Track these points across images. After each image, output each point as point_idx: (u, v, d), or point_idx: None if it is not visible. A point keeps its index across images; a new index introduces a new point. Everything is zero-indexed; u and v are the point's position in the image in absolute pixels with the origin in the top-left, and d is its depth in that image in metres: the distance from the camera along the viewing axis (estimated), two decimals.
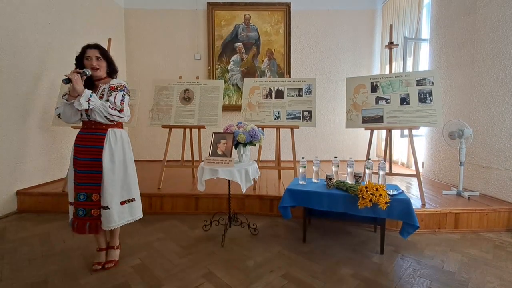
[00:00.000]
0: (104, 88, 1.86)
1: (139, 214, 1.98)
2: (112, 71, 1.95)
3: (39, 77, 3.35)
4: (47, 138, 3.50)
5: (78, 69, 1.79)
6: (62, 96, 1.82)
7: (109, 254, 1.97)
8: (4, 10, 2.91)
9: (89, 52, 1.83)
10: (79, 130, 1.90)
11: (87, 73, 1.79)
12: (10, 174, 3.01)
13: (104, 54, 1.88)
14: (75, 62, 1.87)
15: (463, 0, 3.27)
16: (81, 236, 2.29)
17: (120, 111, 1.81)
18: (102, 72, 1.87)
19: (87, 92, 1.72)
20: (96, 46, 1.87)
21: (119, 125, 1.93)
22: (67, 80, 1.71)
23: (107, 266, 1.89)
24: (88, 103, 1.70)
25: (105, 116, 1.77)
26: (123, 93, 1.86)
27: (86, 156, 1.81)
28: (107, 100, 1.80)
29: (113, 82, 1.89)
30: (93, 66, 1.82)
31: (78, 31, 3.95)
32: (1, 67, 2.89)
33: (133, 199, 1.93)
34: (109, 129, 1.85)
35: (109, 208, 1.79)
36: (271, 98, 3.48)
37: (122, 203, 1.87)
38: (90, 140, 1.83)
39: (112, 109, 1.77)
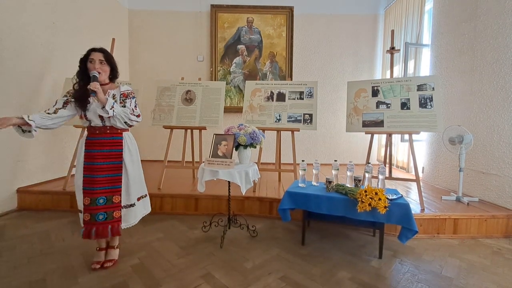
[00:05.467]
0: (114, 94, 1.90)
1: (149, 208, 2.12)
2: (114, 76, 1.98)
3: (42, 76, 3.37)
4: (49, 137, 3.51)
5: (91, 83, 1.77)
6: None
7: (108, 253, 1.98)
8: (8, 9, 2.94)
9: (93, 55, 1.83)
10: (85, 136, 1.90)
11: (97, 76, 1.81)
12: (11, 172, 3.03)
13: (108, 59, 1.90)
14: (79, 64, 1.87)
15: (464, 7, 3.29)
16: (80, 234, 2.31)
17: (138, 116, 1.92)
18: (104, 77, 1.88)
19: (111, 100, 1.80)
20: (101, 50, 1.88)
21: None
22: (93, 93, 1.78)
23: (106, 266, 1.90)
24: (113, 111, 1.79)
25: (125, 122, 1.85)
26: (135, 100, 1.97)
27: (105, 160, 1.84)
28: (124, 107, 1.88)
29: (123, 88, 1.95)
30: (96, 69, 1.81)
31: (82, 31, 3.97)
32: (5, 66, 2.91)
33: (146, 195, 2.10)
34: (123, 132, 1.93)
35: (134, 205, 1.94)
36: (273, 100, 3.50)
37: (139, 199, 2.00)
38: (108, 145, 1.86)
39: (133, 115, 1.89)
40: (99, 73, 1.82)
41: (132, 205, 1.94)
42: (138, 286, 1.72)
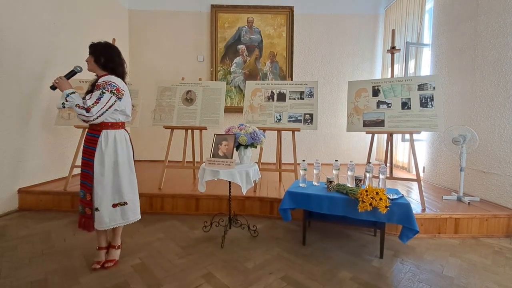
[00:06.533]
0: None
1: (132, 218, 1.95)
2: (103, 66, 1.86)
3: (43, 77, 3.37)
4: (50, 137, 3.52)
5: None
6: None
7: (109, 253, 1.98)
8: (9, 10, 2.94)
9: None
10: (84, 133, 1.94)
11: (75, 70, 1.85)
12: (12, 172, 3.03)
13: (92, 49, 1.85)
14: None
15: (464, 6, 3.29)
16: (81, 234, 2.33)
17: (87, 110, 1.70)
18: (90, 67, 1.88)
19: (65, 92, 1.73)
20: (91, 43, 1.88)
21: (115, 125, 1.88)
22: (53, 87, 1.80)
23: (107, 266, 1.90)
24: (63, 104, 1.72)
25: (77, 115, 1.74)
26: (101, 91, 1.75)
27: (85, 156, 1.87)
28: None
29: (100, 80, 1.82)
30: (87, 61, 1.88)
31: (83, 31, 3.99)
32: (5, 66, 2.91)
33: (125, 203, 1.90)
34: (102, 130, 1.84)
35: (98, 210, 1.83)
36: (273, 100, 3.50)
37: (114, 205, 1.87)
38: (88, 141, 1.87)
39: (79, 107, 1.70)
40: (81, 68, 1.89)
41: (95, 209, 1.82)
42: (139, 286, 1.72)
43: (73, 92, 1.75)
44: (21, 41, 3.07)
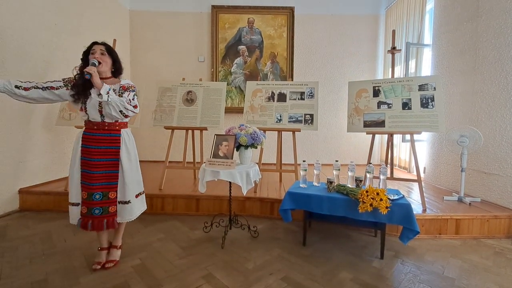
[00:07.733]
0: (114, 89, 1.84)
1: (145, 205, 2.10)
2: (116, 70, 1.96)
3: (44, 77, 3.37)
4: (50, 137, 3.52)
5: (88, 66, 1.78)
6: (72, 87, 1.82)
7: (110, 253, 1.98)
8: (10, 10, 2.95)
9: (95, 47, 1.86)
10: (83, 130, 1.89)
11: (96, 63, 1.80)
12: (12, 173, 3.04)
13: (110, 51, 1.90)
14: (81, 57, 1.88)
15: (465, 6, 3.29)
16: (82, 235, 2.34)
17: (135, 107, 1.87)
18: (104, 68, 1.85)
19: (107, 86, 1.75)
20: (103, 43, 1.91)
21: (126, 125, 1.98)
22: (89, 75, 1.73)
23: (107, 266, 1.90)
24: (108, 96, 1.73)
25: (121, 111, 1.79)
26: (134, 93, 1.92)
27: (101, 157, 1.83)
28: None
29: (124, 82, 1.92)
30: (96, 58, 1.81)
31: (84, 32, 4.00)
32: (7, 66, 2.92)
33: (143, 191, 2.07)
34: (121, 129, 1.91)
35: (130, 202, 1.90)
36: (274, 101, 3.50)
37: (137, 196, 1.98)
38: (105, 141, 1.84)
39: (129, 104, 1.83)
40: (99, 62, 1.82)
41: (127, 202, 1.90)
42: (139, 287, 1.72)
43: (110, 87, 1.78)
44: (22, 42, 3.08)
